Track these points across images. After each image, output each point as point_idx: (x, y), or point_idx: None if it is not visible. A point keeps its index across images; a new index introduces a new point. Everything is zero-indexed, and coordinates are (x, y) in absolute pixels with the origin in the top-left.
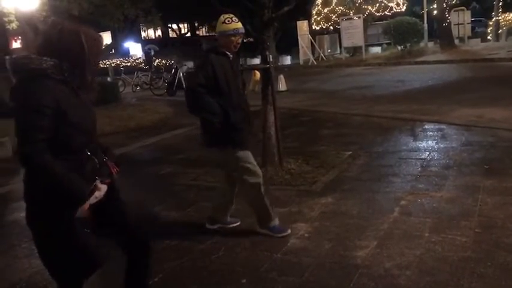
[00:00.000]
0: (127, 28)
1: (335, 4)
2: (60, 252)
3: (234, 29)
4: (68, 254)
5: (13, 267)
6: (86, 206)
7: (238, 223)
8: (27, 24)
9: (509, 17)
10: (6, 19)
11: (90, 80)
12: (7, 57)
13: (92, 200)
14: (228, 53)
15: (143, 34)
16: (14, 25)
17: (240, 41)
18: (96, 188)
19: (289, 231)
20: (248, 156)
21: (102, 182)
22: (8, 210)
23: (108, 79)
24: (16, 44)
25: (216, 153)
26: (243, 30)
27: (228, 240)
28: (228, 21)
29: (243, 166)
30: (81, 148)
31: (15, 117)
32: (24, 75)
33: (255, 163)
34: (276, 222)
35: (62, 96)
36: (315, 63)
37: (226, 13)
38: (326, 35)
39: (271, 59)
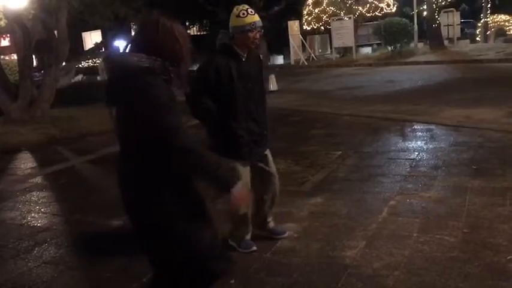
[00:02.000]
0: (117, 27)
1: (326, 4)
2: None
3: (251, 23)
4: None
5: None
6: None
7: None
8: (15, 23)
9: (498, 19)
10: None
11: (185, 79)
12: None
13: None
14: (241, 53)
15: (134, 33)
16: (2, 23)
17: (258, 36)
18: None
19: (254, 247)
20: (242, 175)
21: None
22: None
23: (98, 78)
24: (4, 42)
25: None
26: (261, 24)
27: None
28: (243, 14)
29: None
30: None
31: (136, 114)
32: (132, 72)
33: (247, 184)
34: (247, 237)
35: (170, 95)
36: (306, 63)
37: (240, 6)
38: (317, 35)
39: (261, 59)
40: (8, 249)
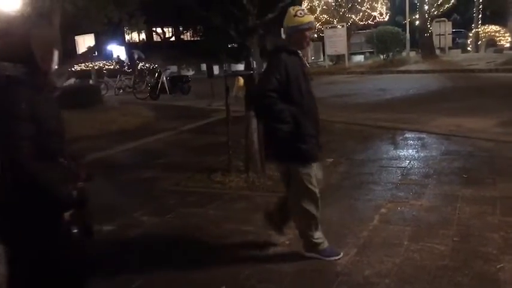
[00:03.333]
0: (110, 31)
1: (319, 12)
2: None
3: (309, 22)
4: (49, 261)
5: None
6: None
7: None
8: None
9: (489, 29)
10: None
11: (49, 81)
12: None
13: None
14: (299, 52)
15: (127, 37)
16: None
17: (312, 36)
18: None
19: (341, 254)
20: (311, 176)
21: (73, 188)
22: None
23: (91, 82)
24: None
25: (281, 167)
26: (315, 24)
27: (209, 247)
28: (300, 14)
29: (302, 188)
30: (55, 154)
31: None
32: None
33: (316, 184)
34: (325, 245)
35: (35, 102)
36: None
37: (296, 7)
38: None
39: (255, 65)
40: None
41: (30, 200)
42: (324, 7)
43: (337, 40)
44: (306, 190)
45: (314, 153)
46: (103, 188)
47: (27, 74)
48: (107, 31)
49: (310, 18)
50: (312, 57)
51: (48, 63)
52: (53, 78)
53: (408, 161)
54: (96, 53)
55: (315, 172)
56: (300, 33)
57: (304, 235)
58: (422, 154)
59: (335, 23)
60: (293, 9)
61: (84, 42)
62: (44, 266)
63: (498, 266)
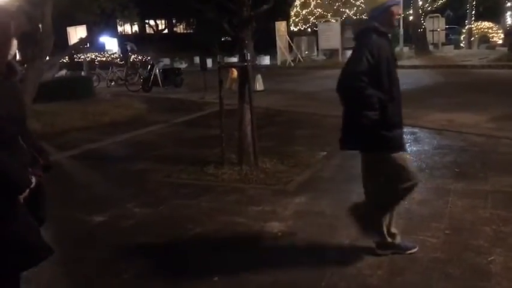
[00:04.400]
0: (103, 22)
1: (313, 6)
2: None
3: None
4: (6, 243)
5: None
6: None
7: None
8: None
9: (481, 26)
10: None
11: (6, 67)
12: None
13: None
14: (388, 33)
15: (120, 29)
16: None
17: (400, 12)
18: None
19: (417, 247)
20: (407, 159)
21: (33, 174)
22: None
23: (83, 73)
24: None
25: (365, 157)
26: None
27: (201, 239)
28: None
29: (400, 170)
30: (13, 138)
31: None
32: None
33: (414, 168)
34: (398, 239)
35: None
36: (292, 64)
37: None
38: (304, 37)
39: (249, 58)
40: None
41: None
42: (318, 1)
43: (331, 34)
44: (402, 173)
45: (400, 142)
46: (95, 179)
47: None
48: (99, 22)
49: None
50: (305, 51)
51: (3, 51)
52: (13, 63)
53: None
54: (88, 45)
55: (408, 157)
56: (387, 12)
57: (374, 232)
58: (414, 148)
59: (329, 17)
60: None
61: (76, 33)
62: None
63: (489, 259)
